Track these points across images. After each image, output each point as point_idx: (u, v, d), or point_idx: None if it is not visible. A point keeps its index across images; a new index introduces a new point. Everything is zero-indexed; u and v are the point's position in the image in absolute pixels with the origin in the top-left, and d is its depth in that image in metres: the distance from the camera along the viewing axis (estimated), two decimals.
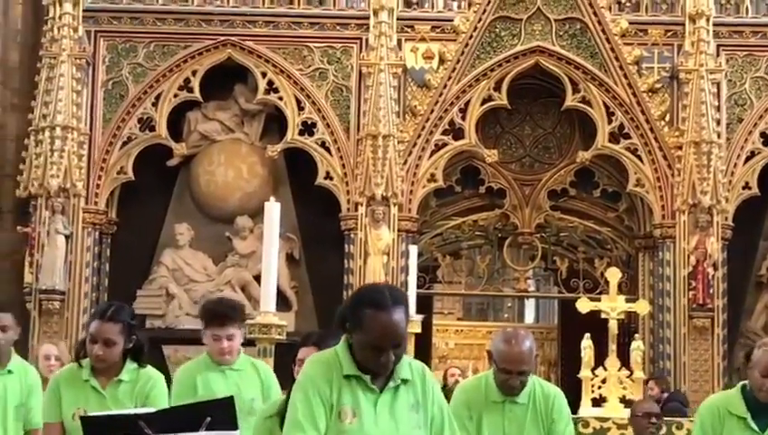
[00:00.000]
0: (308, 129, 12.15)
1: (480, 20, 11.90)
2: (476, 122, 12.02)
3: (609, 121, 11.88)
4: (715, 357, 11.57)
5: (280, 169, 12.55)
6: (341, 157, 12.01)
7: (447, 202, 12.83)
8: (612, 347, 9.50)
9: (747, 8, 12.33)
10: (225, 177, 12.42)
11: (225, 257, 12.40)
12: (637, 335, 10.73)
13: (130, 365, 4.49)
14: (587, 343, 9.50)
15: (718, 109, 11.94)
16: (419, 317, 9.32)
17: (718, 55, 12.05)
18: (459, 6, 12.48)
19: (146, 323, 11.80)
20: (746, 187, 12.05)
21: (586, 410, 9.34)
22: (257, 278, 10.60)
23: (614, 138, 11.95)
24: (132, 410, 4.03)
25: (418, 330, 9.27)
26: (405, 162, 11.84)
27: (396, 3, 12.04)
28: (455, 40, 11.96)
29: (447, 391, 8.26)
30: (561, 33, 11.92)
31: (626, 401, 9.23)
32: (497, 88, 11.94)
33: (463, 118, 11.95)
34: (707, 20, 11.89)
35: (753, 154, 12.10)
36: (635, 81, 11.82)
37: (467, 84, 11.90)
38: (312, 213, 12.32)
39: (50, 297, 11.54)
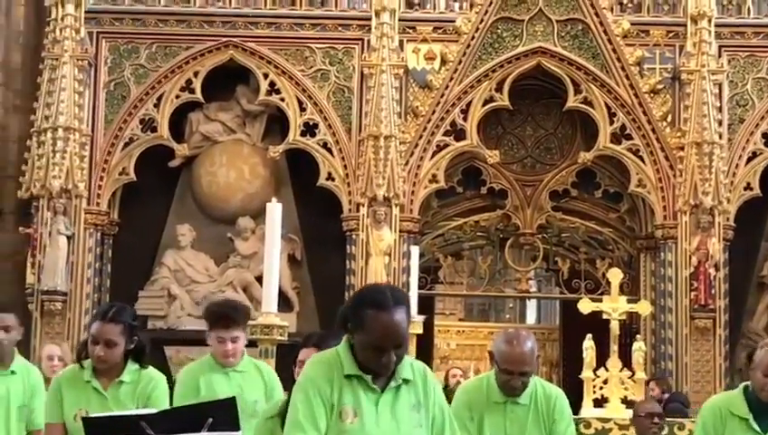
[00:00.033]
0: (310, 130, 12.15)
1: (482, 21, 11.89)
2: (478, 123, 12.01)
3: (611, 122, 11.87)
4: (717, 358, 11.56)
5: (282, 169, 12.55)
6: (343, 158, 12.02)
7: (449, 203, 12.81)
8: (614, 348, 9.48)
9: (749, 9, 12.32)
10: (226, 178, 12.42)
11: (227, 258, 12.40)
12: (638, 336, 10.69)
13: (132, 366, 4.49)
14: (588, 344, 9.48)
15: (720, 109, 11.94)
16: (421, 318, 9.29)
17: (720, 56, 12.04)
18: (461, 7, 12.47)
19: (147, 324, 11.81)
20: (748, 187, 12.04)
21: (587, 410, 9.31)
22: (259, 279, 10.62)
23: (616, 138, 11.93)
24: (134, 411, 4.04)
25: (420, 331, 9.23)
26: (406, 163, 11.84)
27: (398, 4, 12.04)
28: (456, 41, 11.95)
29: (449, 391, 8.27)
30: (562, 34, 11.92)
31: (627, 402, 9.21)
32: (499, 89, 11.94)
33: (464, 119, 11.94)
34: (709, 21, 11.89)
35: (754, 155, 12.10)
36: (636, 81, 11.81)
37: (469, 85, 11.90)
38: (314, 214, 12.32)
39: (52, 298, 11.54)
